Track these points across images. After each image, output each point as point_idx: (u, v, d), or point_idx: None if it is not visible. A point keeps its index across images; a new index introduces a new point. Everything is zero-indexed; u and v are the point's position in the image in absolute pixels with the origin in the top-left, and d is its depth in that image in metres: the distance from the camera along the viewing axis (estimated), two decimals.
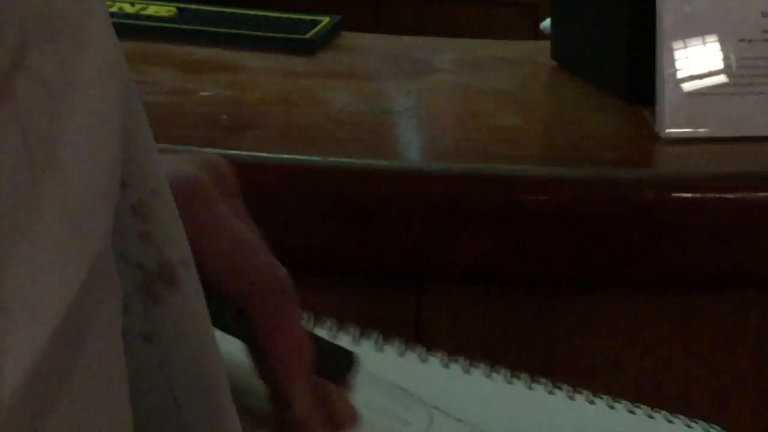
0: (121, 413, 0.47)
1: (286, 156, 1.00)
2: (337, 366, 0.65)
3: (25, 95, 0.42)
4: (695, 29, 1.11)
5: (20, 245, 0.40)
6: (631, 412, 0.79)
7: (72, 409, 0.42)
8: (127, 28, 1.29)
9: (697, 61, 1.08)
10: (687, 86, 1.05)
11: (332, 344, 0.68)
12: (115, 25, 0.46)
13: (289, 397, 0.63)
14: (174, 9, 1.36)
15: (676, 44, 1.09)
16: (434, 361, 0.78)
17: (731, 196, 0.98)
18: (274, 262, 0.62)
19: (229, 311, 0.60)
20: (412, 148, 1.13)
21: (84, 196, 0.45)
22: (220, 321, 0.57)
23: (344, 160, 1.01)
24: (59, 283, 0.41)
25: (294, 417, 0.64)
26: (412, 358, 0.79)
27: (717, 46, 1.09)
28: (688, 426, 0.78)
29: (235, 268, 0.63)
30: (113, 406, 0.47)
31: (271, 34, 1.35)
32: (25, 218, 0.42)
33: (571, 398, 0.79)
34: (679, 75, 1.07)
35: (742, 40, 1.09)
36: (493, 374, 0.78)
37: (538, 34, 1.52)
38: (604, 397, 0.78)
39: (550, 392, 0.78)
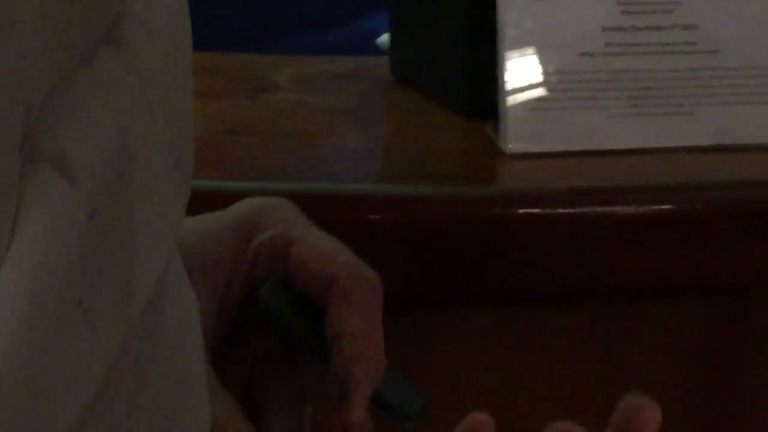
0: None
1: None
2: (403, 405, 0.66)
3: (133, 39, 0.47)
4: (536, 44, 1.13)
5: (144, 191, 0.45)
6: None
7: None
8: None
9: (539, 75, 1.11)
10: (529, 101, 1.08)
11: (407, 382, 0.71)
12: None
13: (349, 397, 0.65)
14: None
15: (518, 59, 1.11)
16: None
17: (577, 210, 1.00)
18: (362, 263, 0.68)
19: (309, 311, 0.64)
20: (254, 168, 1.12)
21: (185, 140, 0.51)
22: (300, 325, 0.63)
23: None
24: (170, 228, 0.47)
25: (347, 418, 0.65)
26: None
27: (559, 60, 1.12)
28: None
29: (328, 266, 0.67)
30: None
31: None
32: (144, 164, 0.46)
33: None
34: (521, 90, 1.09)
35: (583, 54, 1.11)
36: None
37: (376, 50, 1.55)
38: None
39: None
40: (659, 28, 1.14)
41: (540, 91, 1.11)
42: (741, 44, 1.20)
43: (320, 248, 0.67)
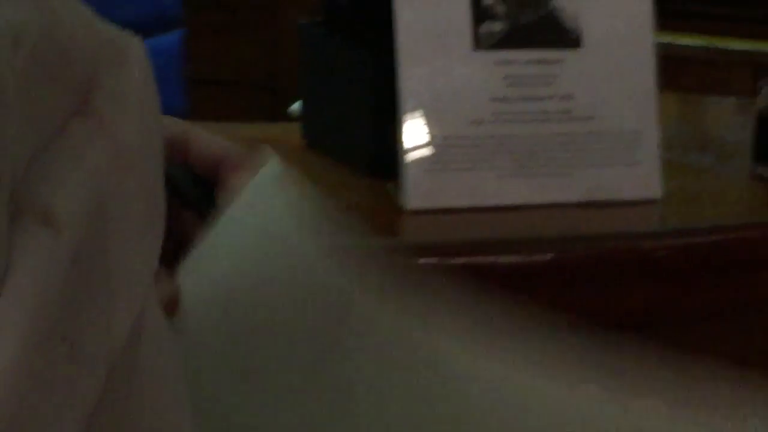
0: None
1: None
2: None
3: (104, 109, 0.50)
4: (433, 112, 1.21)
5: (116, 240, 0.48)
6: None
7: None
8: None
9: (435, 140, 1.18)
10: (426, 163, 1.15)
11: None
12: None
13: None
14: None
15: (416, 125, 1.19)
16: None
17: (470, 260, 1.08)
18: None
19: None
20: None
21: (156, 194, 0.54)
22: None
23: None
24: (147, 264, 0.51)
25: None
26: None
27: (452, 126, 1.20)
28: None
29: (221, 149, 0.75)
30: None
31: None
32: (119, 216, 0.50)
33: None
34: (420, 153, 1.17)
35: (473, 122, 1.20)
36: None
37: (288, 117, 1.64)
38: None
39: None
40: (540, 98, 1.24)
41: (436, 154, 1.18)
42: (612, 111, 1.31)
43: (214, 139, 0.75)
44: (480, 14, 1.31)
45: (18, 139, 0.46)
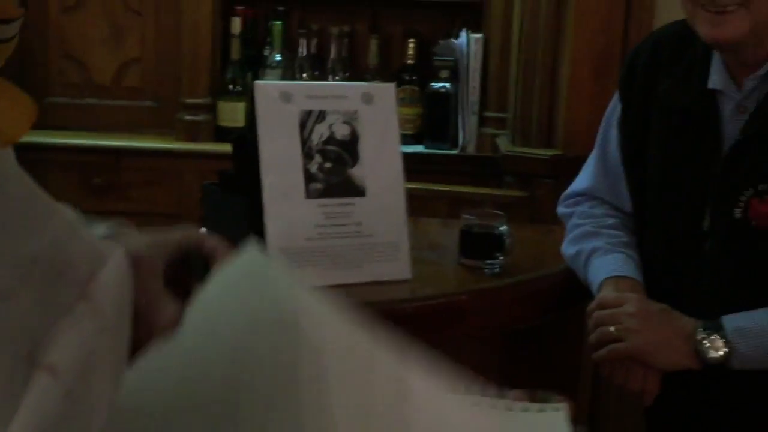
0: None
1: None
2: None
3: (97, 295, 0.53)
4: (283, 233, 1.44)
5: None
6: None
7: None
8: None
9: (285, 249, 1.43)
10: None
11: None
12: None
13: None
14: None
15: (275, 240, 1.42)
16: None
17: None
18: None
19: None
20: None
21: (124, 349, 0.56)
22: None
23: None
24: None
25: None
26: None
27: (296, 241, 1.46)
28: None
29: (215, 246, 0.76)
30: None
31: None
32: (102, 360, 0.52)
33: None
34: (277, 257, 1.37)
35: (307, 239, 1.47)
36: None
37: None
38: None
39: None
40: (344, 225, 1.48)
41: (286, 258, 1.41)
42: (383, 231, 1.52)
43: (213, 239, 0.77)
44: (308, 178, 1.51)
45: (28, 320, 0.49)
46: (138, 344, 0.63)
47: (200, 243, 0.74)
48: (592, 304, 1.55)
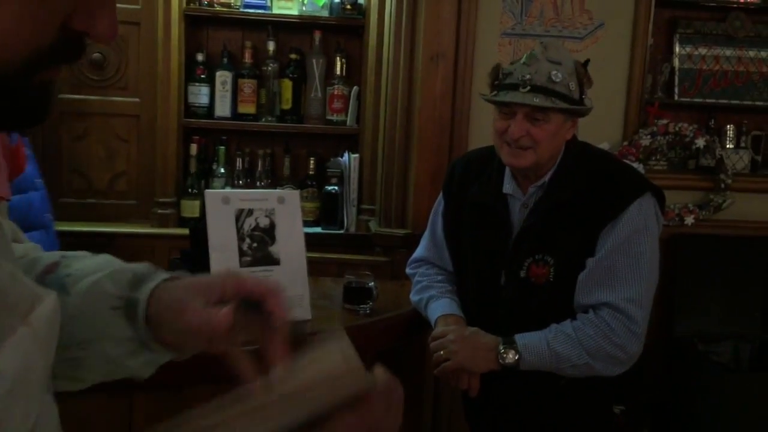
0: None
1: None
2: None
3: (36, 321, 0.48)
4: None
5: None
6: None
7: None
8: None
9: None
10: None
11: None
12: None
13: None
14: None
15: None
16: None
17: None
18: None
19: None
20: None
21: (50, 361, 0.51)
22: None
23: None
24: None
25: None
26: None
27: None
28: None
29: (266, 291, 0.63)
30: None
31: None
32: (35, 367, 0.48)
33: None
34: None
35: None
36: None
37: None
38: None
39: None
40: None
41: None
42: (293, 287, 1.49)
43: (255, 279, 0.64)
44: (241, 254, 1.50)
45: None
46: (197, 348, 0.58)
47: (242, 283, 0.63)
48: (429, 338, 1.58)
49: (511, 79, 1.48)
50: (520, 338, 1.47)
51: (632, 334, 1.44)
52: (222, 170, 2.99)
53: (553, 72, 1.44)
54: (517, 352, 1.45)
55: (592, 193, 1.49)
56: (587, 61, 1.52)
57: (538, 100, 1.44)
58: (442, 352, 1.52)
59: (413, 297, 1.71)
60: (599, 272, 1.45)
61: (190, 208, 2.94)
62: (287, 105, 3.00)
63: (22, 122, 0.47)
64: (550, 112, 1.45)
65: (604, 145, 2.45)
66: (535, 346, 1.46)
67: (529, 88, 1.44)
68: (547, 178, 1.53)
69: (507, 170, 1.57)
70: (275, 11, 2.97)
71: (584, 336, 1.44)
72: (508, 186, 1.57)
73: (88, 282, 0.64)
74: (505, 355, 1.46)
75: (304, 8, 2.94)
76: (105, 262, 0.68)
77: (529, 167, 1.51)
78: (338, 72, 3.00)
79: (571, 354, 1.44)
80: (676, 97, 2.72)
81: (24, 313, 0.46)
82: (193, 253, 1.58)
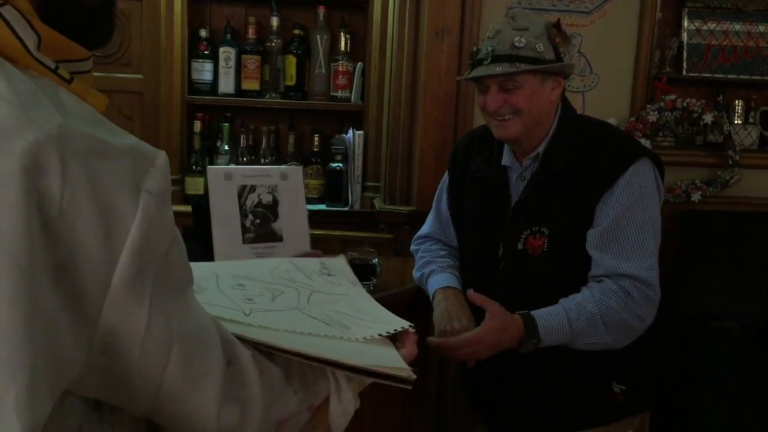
0: None
1: None
2: None
3: (145, 186, 0.54)
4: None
5: None
6: None
7: None
8: None
9: None
10: None
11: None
12: None
13: None
14: None
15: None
16: None
17: None
18: None
19: None
20: None
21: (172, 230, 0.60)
22: None
23: None
24: None
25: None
26: None
27: None
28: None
29: None
30: None
31: None
32: (153, 247, 0.54)
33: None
34: None
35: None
36: None
37: None
38: None
39: None
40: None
41: None
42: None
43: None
44: (244, 230, 1.48)
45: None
46: None
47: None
48: (430, 339, 1.49)
49: (480, 55, 1.50)
50: (540, 319, 1.43)
51: (651, 303, 1.43)
52: (226, 147, 2.97)
53: (516, 38, 1.45)
54: (539, 340, 1.42)
55: (586, 163, 1.48)
56: (558, 20, 1.51)
57: (500, 69, 1.44)
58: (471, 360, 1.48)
59: (415, 273, 1.70)
60: (609, 242, 1.43)
61: (194, 185, 2.93)
62: (291, 81, 2.98)
63: (101, 42, 0.60)
64: (519, 76, 1.45)
65: (611, 121, 2.41)
66: (555, 329, 1.42)
67: (490, 59, 1.46)
68: (541, 149, 1.52)
69: (506, 145, 1.58)
70: None
71: (607, 310, 1.42)
72: (507, 158, 1.58)
73: None
74: (527, 346, 1.43)
75: None
76: None
77: (520, 136, 1.51)
78: (342, 48, 2.97)
79: (591, 332, 1.42)
80: (684, 72, 2.68)
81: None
82: (195, 230, 1.57)
